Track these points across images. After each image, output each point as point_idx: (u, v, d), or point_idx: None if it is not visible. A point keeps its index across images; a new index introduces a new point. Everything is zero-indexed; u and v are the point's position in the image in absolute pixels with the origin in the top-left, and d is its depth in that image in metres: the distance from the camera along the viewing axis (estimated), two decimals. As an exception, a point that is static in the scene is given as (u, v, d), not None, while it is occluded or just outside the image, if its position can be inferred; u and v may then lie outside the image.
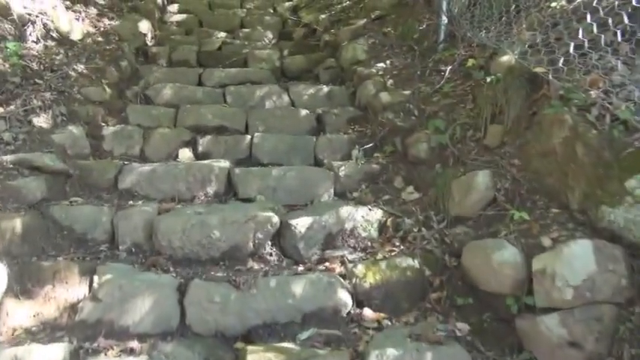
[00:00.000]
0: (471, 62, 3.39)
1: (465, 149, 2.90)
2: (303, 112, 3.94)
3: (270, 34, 5.84)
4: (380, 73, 4.14)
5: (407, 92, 3.73)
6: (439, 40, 4.20)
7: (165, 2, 6.50)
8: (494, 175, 2.53)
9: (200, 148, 3.46)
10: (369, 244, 2.67)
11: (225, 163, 3.14)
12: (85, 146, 3.21)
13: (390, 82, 3.97)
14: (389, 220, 2.76)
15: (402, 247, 2.55)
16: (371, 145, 3.47)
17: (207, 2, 6.90)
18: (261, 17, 6.30)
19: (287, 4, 6.98)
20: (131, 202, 2.87)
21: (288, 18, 6.42)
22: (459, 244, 2.42)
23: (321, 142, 3.55)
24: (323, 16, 5.81)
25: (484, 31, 3.68)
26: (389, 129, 3.46)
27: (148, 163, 3.29)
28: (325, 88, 4.36)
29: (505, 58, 2.99)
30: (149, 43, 5.24)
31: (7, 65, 3.29)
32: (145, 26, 5.23)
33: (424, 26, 4.54)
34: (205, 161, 3.18)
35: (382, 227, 2.75)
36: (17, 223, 2.34)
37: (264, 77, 4.65)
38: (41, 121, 3.05)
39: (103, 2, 5.32)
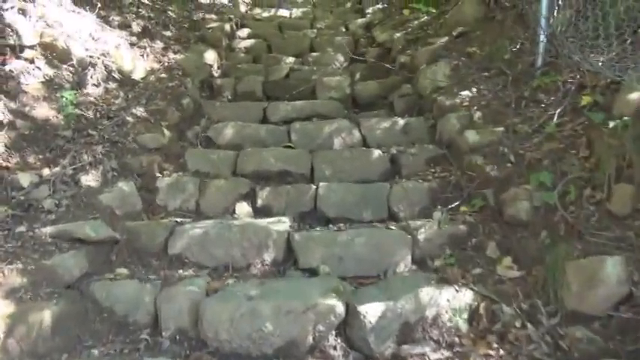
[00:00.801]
0: (585, 100, 2.70)
1: (582, 215, 2.24)
2: (376, 152, 3.42)
3: (341, 57, 5.38)
4: (465, 103, 3.53)
5: (499, 129, 3.10)
6: (536, 63, 3.52)
7: (235, 27, 6.26)
8: (629, 262, 1.88)
9: (259, 202, 3.06)
10: (457, 339, 2.11)
11: (284, 225, 2.71)
12: (135, 203, 2.91)
13: (477, 115, 3.35)
14: (481, 305, 2.18)
15: (500, 350, 1.97)
16: (455, 198, 2.89)
17: (278, 24, 6.59)
18: (331, 38, 5.87)
19: (360, 20, 6.50)
20: (180, 272, 2.52)
21: (361, 37, 5.93)
22: (581, 356, 1.80)
23: (396, 192, 3.01)
24: (398, 34, 5.26)
25: (597, 54, 2.98)
26: (478, 177, 2.86)
27: (203, 218, 2.95)
28: (401, 121, 3.81)
29: (635, 96, 2.30)
30: (215, 74, 4.97)
31: (60, 117, 3.08)
32: (210, 57, 4.98)
33: (517, 46, 3.86)
34: (263, 221, 2.77)
35: (473, 315, 2.18)
36: (47, 314, 2.05)
37: (333, 109, 4.19)
38: (89, 179, 2.79)
39: (169, 34, 5.15)
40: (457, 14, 4.74)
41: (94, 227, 2.44)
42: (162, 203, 3.06)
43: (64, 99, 3.22)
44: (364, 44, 5.77)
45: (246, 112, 4.18)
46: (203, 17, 6.04)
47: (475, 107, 3.45)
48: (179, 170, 3.38)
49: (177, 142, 3.65)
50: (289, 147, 3.70)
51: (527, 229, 2.45)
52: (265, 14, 7.14)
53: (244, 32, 6.22)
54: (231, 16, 6.31)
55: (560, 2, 3.48)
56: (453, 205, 2.75)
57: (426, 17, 5.29)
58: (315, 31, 6.23)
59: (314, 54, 5.45)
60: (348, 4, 7.58)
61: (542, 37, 3.49)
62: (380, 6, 6.48)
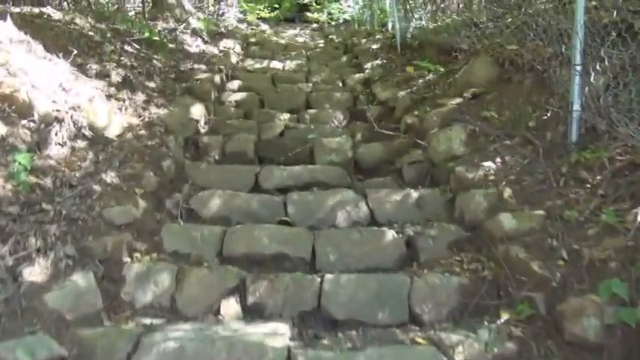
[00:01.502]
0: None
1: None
2: (389, 234, 2.87)
3: (340, 115, 4.91)
4: (490, 177, 3.03)
5: (539, 213, 2.58)
6: (570, 134, 3.06)
7: (225, 79, 5.80)
8: None
9: (250, 298, 2.45)
10: None
11: (282, 338, 2.10)
12: (93, 301, 2.29)
13: (507, 192, 2.83)
14: None
15: None
16: (491, 299, 2.34)
17: (271, 77, 6.16)
18: (329, 94, 5.42)
19: (358, 76, 6.10)
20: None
21: (360, 93, 5.51)
22: None
23: (419, 289, 2.44)
24: (402, 92, 4.83)
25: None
26: (521, 275, 2.31)
27: (180, 319, 2.34)
28: (414, 194, 3.29)
29: None
30: (201, 130, 4.44)
31: (8, 187, 2.48)
32: (197, 111, 4.46)
33: (543, 113, 3.42)
34: (255, 331, 2.15)
35: None
36: None
37: (334, 176, 3.65)
38: (35, 273, 2.16)
39: (153, 85, 4.64)
40: (468, 74, 4.33)
41: (29, 348, 1.80)
42: (129, 298, 2.43)
43: (16, 164, 2.64)
44: (364, 101, 5.33)
45: (235, 176, 3.63)
46: (191, 67, 5.59)
47: (503, 183, 2.95)
48: (153, 251, 2.77)
49: (153, 215, 3.06)
50: (286, 222, 3.14)
51: (598, 354, 1.89)
52: (257, 65, 6.73)
53: (235, 84, 5.76)
54: (222, 67, 5.87)
55: (596, 67, 3.07)
56: (502, 321, 2.16)
57: (431, 76, 4.90)
58: (310, 85, 5.80)
59: (311, 111, 4.98)
60: (344, 58, 7.23)
61: (576, 106, 3.05)
62: (379, 62, 6.11)
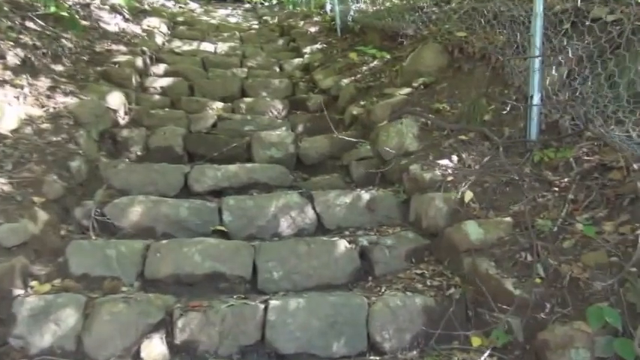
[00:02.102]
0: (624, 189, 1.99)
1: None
2: (341, 245, 2.51)
3: (279, 104, 4.46)
4: (449, 178, 2.74)
5: (506, 220, 2.32)
6: (531, 130, 2.83)
7: (150, 62, 5.16)
8: None
9: (179, 335, 2.00)
10: None
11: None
12: (-31, 354, 1.75)
13: (469, 195, 2.56)
14: None
15: None
16: (461, 322, 2.05)
17: (201, 60, 5.58)
18: (265, 80, 4.95)
19: (297, 61, 5.65)
20: None
21: (300, 80, 5.08)
22: None
23: (379, 314, 2.10)
24: (346, 80, 4.47)
25: (617, 123, 2.33)
26: (491, 294, 2.03)
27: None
28: (364, 195, 2.95)
29: None
30: (121, 122, 3.84)
31: None
32: (115, 100, 3.85)
33: (498, 106, 3.18)
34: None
35: None
36: None
37: (275, 176, 3.23)
38: None
39: (61, 69, 3.97)
40: (416, 62, 4.03)
41: None
42: (21, 343, 1.91)
43: None
44: (304, 89, 4.92)
45: (161, 178, 3.11)
46: (109, 49, 4.89)
47: (463, 184, 2.66)
48: (56, 276, 2.24)
49: (57, 229, 2.51)
50: (221, 232, 2.70)
51: (589, 392, 1.64)
52: (186, 47, 6.09)
53: (161, 69, 5.13)
54: (145, 49, 5.21)
55: (557, 58, 2.85)
56: (474, 349, 1.87)
57: (376, 63, 4.56)
58: (245, 70, 5.29)
59: (247, 99, 4.48)
60: (281, 42, 6.74)
61: (535, 99, 2.81)
62: (319, 46, 5.70)
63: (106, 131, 3.56)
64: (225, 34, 7.06)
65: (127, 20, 6.28)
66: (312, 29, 6.61)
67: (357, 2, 5.65)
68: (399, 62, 4.27)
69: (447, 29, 4.08)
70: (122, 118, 3.90)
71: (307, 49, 5.74)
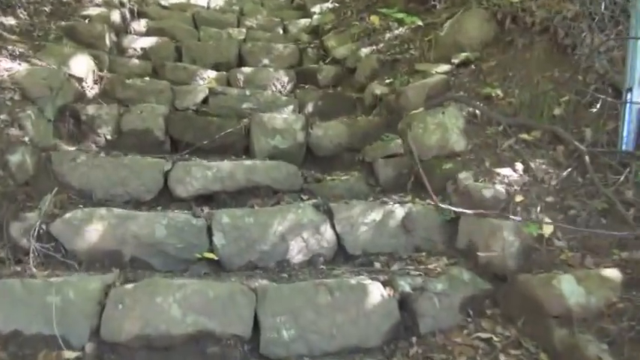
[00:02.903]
0: None
1: None
2: (374, 292, 1.80)
3: (283, 76, 3.65)
4: (517, 197, 2.03)
5: (615, 275, 1.63)
6: (625, 135, 2.10)
7: (129, 17, 4.28)
8: None
9: None
10: None
11: None
12: None
13: (548, 229, 1.85)
14: None
15: None
16: None
17: (192, 17, 4.69)
18: (267, 44, 4.11)
19: (303, 21, 4.79)
20: None
21: (308, 46, 4.25)
22: None
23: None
24: (365, 50, 3.65)
25: None
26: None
27: None
28: (399, 211, 2.23)
29: None
30: (88, 94, 3.04)
31: None
32: (81, 66, 3.03)
33: (572, 97, 2.43)
34: None
35: None
36: None
37: (282, 178, 2.49)
38: None
39: (12, 23, 3.12)
40: (455, 32, 3.23)
41: None
42: None
43: None
44: (313, 57, 4.10)
45: (134, 176, 2.36)
46: (78, -2, 4.01)
47: (538, 207, 1.96)
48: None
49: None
50: (210, 260, 1.99)
51: None
52: (175, 0, 5.18)
53: (142, 25, 4.26)
54: (124, 0, 4.32)
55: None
56: None
57: (402, 30, 3.73)
58: (243, 31, 4.43)
59: (245, 69, 3.65)
60: (283, -4, 5.86)
61: (636, 94, 2.07)
62: (330, 5, 4.82)
63: (66, 107, 2.77)
64: (221, -14, 6.09)
65: (105, -36, 5.31)
66: (320, -16, 5.68)
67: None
68: (431, 31, 3.45)
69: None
70: (89, 89, 3.10)
71: (316, 8, 4.86)
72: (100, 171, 2.35)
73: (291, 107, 3.29)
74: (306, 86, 3.67)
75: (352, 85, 3.58)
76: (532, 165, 2.19)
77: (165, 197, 2.36)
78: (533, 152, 2.28)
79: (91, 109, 2.80)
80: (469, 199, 2.15)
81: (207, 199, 2.37)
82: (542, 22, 2.85)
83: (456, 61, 3.06)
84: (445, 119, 2.57)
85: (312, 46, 4.22)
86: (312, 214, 2.16)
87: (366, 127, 2.96)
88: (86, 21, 3.60)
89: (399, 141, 2.67)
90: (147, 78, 3.34)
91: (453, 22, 3.27)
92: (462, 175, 2.24)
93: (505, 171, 2.19)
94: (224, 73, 3.65)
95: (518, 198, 2.01)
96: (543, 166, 2.17)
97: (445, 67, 3.04)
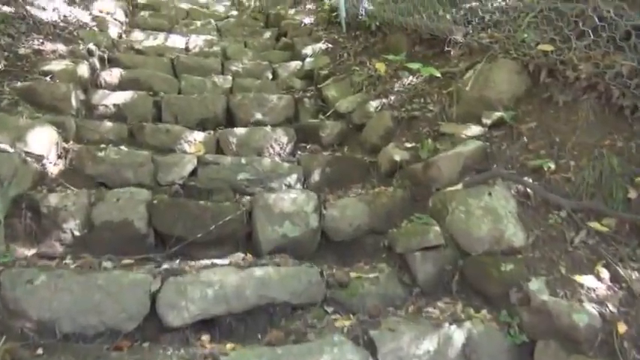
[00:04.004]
0: None
1: None
2: None
3: (281, 135, 3.12)
4: (621, 327, 1.55)
5: None
6: None
7: (99, 67, 3.69)
8: None
9: None
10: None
11: None
12: None
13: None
14: None
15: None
16: None
17: (170, 62, 4.13)
18: (259, 96, 3.57)
19: (294, 64, 4.29)
20: None
21: (303, 95, 3.74)
22: None
23: None
24: (374, 103, 3.17)
25: None
26: None
27: None
28: (457, 335, 1.73)
29: None
30: (50, 174, 2.45)
31: None
32: (41, 140, 2.44)
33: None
34: None
35: None
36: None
37: (302, 289, 1.93)
38: None
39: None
40: (482, 86, 2.78)
41: None
42: None
43: None
44: (311, 109, 3.59)
45: (110, 300, 1.77)
46: (40, 49, 3.41)
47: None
48: None
49: None
50: None
51: None
52: (150, 42, 4.61)
53: (115, 75, 3.67)
54: (93, 48, 3.73)
55: None
56: None
57: (414, 79, 3.28)
58: (229, 79, 3.89)
59: (238, 131, 3.08)
60: (268, 34, 5.35)
61: None
62: (322, 45, 4.34)
63: (22, 198, 2.18)
64: (199, 23, 5.58)
65: (71, 3, 4.73)
66: (307, 20, 5.22)
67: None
68: (450, 82, 3.00)
69: (519, 38, 2.84)
70: (52, 166, 2.51)
71: (307, 50, 4.37)
72: (67, 295, 1.77)
73: (294, 176, 2.77)
74: (308, 146, 3.17)
75: (361, 145, 3.09)
76: (620, 270, 1.72)
77: (152, 326, 1.79)
78: (615, 250, 1.81)
79: (53, 199, 2.21)
80: (549, 322, 1.66)
81: (208, 323, 1.81)
82: (588, 78, 2.42)
83: (487, 121, 2.61)
84: (494, 202, 2.09)
85: (308, 95, 3.72)
86: (351, 352, 1.62)
87: (389, 204, 2.46)
88: (48, 78, 3.01)
89: (437, 228, 2.17)
90: (123, 147, 2.75)
91: (477, 75, 2.82)
92: (534, 286, 1.76)
93: (588, 280, 1.72)
94: (213, 134, 3.10)
95: (621, 328, 1.52)
96: (636, 273, 1.70)
97: (476, 130, 2.58)
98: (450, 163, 2.38)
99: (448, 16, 3.62)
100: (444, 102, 2.91)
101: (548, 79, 2.63)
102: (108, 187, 2.55)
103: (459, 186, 2.25)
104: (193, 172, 2.70)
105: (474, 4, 3.79)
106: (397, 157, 2.69)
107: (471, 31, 3.24)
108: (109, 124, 3.00)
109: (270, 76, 4.19)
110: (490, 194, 2.12)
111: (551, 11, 2.87)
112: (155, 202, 2.29)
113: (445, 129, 2.67)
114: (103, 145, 2.74)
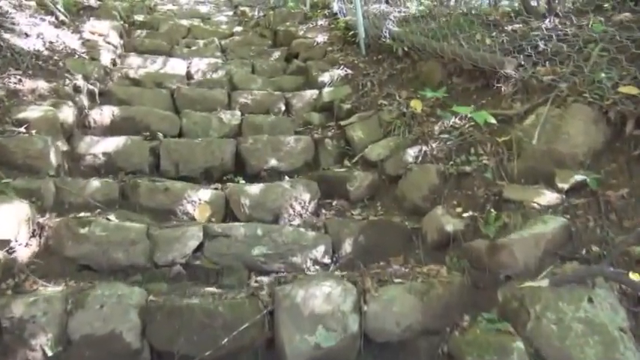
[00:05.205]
0: None
1: None
2: None
3: (303, 192, 2.56)
4: None
5: None
6: None
7: (87, 105, 3.16)
8: None
9: None
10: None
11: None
12: None
13: None
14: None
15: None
16: None
17: (170, 95, 3.60)
18: (273, 138, 3.03)
19: (309, 94, 3.72)
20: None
21: (323, 135, 3.19)
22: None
23: None
24: (412, 152, 2.62)
25: None
26: None
27: None
28: None
29: None
30: (20, 259, 1.91)
31: None
32: (8, 221, 1.91)
33: None
34: None
35: None
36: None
37: None
38: None
39: None
40: (552, 137, 2.24)
41: None
42: None
43: None
44: (333, 152, 3.05)
45: None
46: (16, 89, 2.87)
47: None
48: None
49: None
50: None
51: None
52: (147, 69, 4.04)
53: (106, 114, 3.13)
54: (80, 83, 3.19)
55: None
56: None
57: (456, 120, 2.73)
58: (237, 114, 3.35)
59: (251, 190, 2.50)
60: (276, 54, 4.80)
61: None
62: (341, 72, 3.80)
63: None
64: (201, 43, 5.04)
65: (59, 26, 4.21)
66: (320, 39, 4.69)
67: (402, 10, 3.75)
68: (504, 127, 2.46)
69: (595, 78, 2.30)
70: (23, 248, 1.98)
71: (324, 77, 3.83)
72: None
73: (321, 248, 2.24)
74: (334, 202, 2.64)
75: (398, 202, 2.55)
76: None
77: None
78: None
79: (18, 308, 1.68)
80: None
81: None
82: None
83: (564, 185, 2.07)
84: (598, 313, 1.56)
85: (329, 134, 3.18)
86: None
87: (446, 295, 1.92)
88: (22, 129, 2.48)
89: (521, 345, 1.62)
90: (112, 218, 2.21)
91: (543, 123, 2.27)
92: None
93: None
94: (221, 189, 2.56)
95: None
96: None
97: (551, 197, 2.05)
98: (526, 248, 1.84)
99: (488, 41, 3.10)
100: (500, 154, 2.37)
101: (637, 131, 2.10)
102: (93, 271, 2.05)
103: (544, 282, 1.71)
104: (199, 247, 2.17)
105: (516, 26, 3.28)
106: (449, 228, 2.15)
107: (523, 62, 2.71)
108: (95, 183, 2.46)
109: (283, 107, 3.64)
110: (591, 300, 1.59)
111: (630, 41, 2.34)
112: (151, 305, 1.75)
113: (509, 193, 2.12)
114: (87, 215, 2.22)
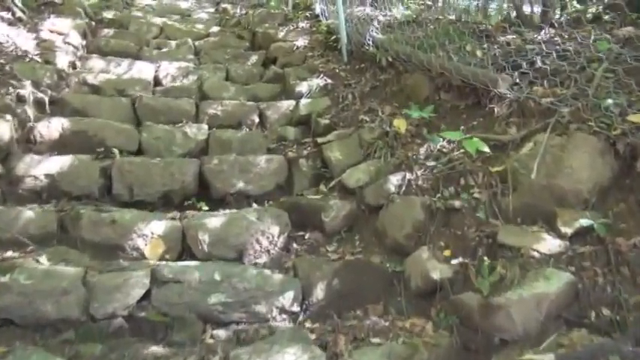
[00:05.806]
0: None
1: None
2: None
3: (271, 225, 2.20)
4: None
5: None
6: None
7: (33, 116, 2.79)
8: None
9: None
10: None
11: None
12: None
13: None
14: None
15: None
16: None
17: (131, 104, 3.23)
18: (240, 159, 2.70)
19: (285, 105, 3.36)
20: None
21: (298, 154, 2.85)
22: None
23: None
24: (394, 179, 2.30)
25: None
26: None
27: None
28: None
29: None
30: None
31: None
32: None
33: None
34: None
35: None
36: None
37: None
38: None
39: None
40: (552, 170, 1.95)
41: None
42: None
43: None
44: (308, 174, 2.73)
45: None
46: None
47: None
48: None
49: None
50: None
51: None
52: (108, 75, 3.62)
53: (55, 127, 2.76)
54: (25, 92, 2.81)
55: None
56: None
57: (444, 143, 2.43)
58: (204, 128, 3.00)
59: (211, 223, 2.15)
60: (254, 58, 4.44)
61: None
62: (319, 81, 3.47)
63: None
64: (173, 44, 4.66)
65: (13, 23, 3.81)
66: (300, 43, 4.35)
67: (387, 17, 3.43)
68: (498, 154, 2.18)
69: (601, 104, 2.02)
70: None
71: (303, 86, 3.50)
72: None
73: (290, 295, 1.92)
74: (307, 235, 2.33)
75: (378, 236, 2.24)
76: None
77: None
78: None
79: None
80: None
81: None
82: None
83: (568, 230, 1.79)
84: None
85: (304, 153, 2.85)
86: None
87: (435, 357, 1.63)
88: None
89: None
90: (42, 262, 1.87)
91: (542, 154, 1.99)
92: None
93: None
94: (178, 225, 2.22)
95: None
96: None
97: (553, 243, 1.76)
98: (526, 311, 1.55)
99: (479, 53, 2.81)
100: (494, 187, 2.08)
101: (648, 166, 1.83)
102: (15, 325, 1.71)
103: (549, 357, 1.42)
104: (145, 295, 1.84)
105: (510, 37, 2.99)
106: (435, 275, 1.85)
107: (518, 80, 2.42)
108: (29, 214, 2.11)
109: (257, 120, 3.31)
110: (604, 384, 1.30)
111: (638, 61, 2.06)
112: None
113: (505, 237, 1.83)
114: (14, 255, 1.88)
